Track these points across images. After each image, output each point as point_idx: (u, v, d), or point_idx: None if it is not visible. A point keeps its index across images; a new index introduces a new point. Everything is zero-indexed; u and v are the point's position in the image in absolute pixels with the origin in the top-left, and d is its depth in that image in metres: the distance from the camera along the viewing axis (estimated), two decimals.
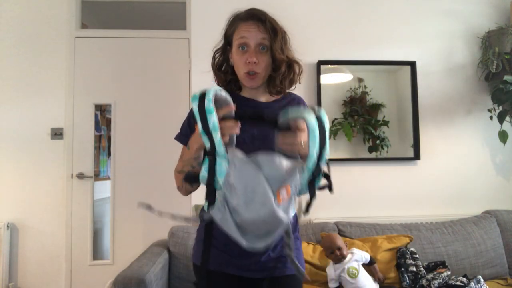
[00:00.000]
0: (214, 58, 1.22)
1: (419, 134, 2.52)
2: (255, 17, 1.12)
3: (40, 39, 2.78)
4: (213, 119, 0.87)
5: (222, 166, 0.89)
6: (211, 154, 0.90)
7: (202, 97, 0.87)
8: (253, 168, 0.89)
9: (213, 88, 0.90)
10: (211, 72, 1.25)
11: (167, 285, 2.04)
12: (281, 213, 0.86)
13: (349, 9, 2.59)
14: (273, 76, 1.15)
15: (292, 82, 1.20)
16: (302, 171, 0.91)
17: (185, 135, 1.21)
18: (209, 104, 0.87)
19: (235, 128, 0.92)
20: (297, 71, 1.19)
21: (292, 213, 0.91)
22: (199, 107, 0.87)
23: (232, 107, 0.93)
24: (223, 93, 0.92)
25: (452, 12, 2.64)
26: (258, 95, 1.21)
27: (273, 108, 1.21)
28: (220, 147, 0.89)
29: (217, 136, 0.88)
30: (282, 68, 1.13)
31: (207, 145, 0.90)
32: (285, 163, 0.91)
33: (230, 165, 0.89)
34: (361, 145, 2.53)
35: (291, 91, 1.28)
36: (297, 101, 1.25)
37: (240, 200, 0.87)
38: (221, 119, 0.90)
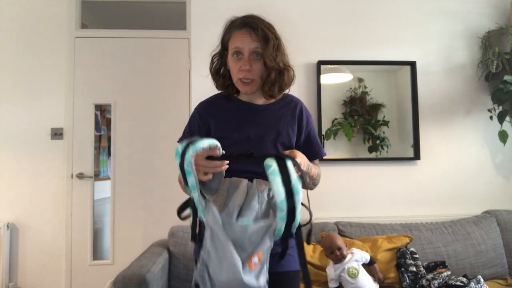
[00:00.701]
0: (212, 62, 1.26)
1: (419, 134, 2.52)
2: (248, 25, 1.15)
3: (40, 39, 2.78)
4: (191, 180, 0.91)
5: (202, 217, 0.96)
6: (191, 206, 0.97)
7: (183, 155, 0.91)
8: (223, 235, 0.92)
9: (195, 145, 0.91)
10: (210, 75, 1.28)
11: (167, 285, 2.04)
12: (251, 280, 0.89)
13: (349, 9, 2.59)
14: (264, 82, 1.18)
15: (281, 88, 1.22)
16: (273, 236, 0.93)
17: (187, 138, 1.23)
18: (188, 166, 0.90)
19: (221, 167, 0.97)
20: (286, 77, 1.20)
21: (264, 278, 0.93)
22: (180, 164, 0.91)
23: (217, 152, 0.97)
24: (207, 143, 0.94)
25: (452, 12, 2.64)
26: (255, 98, 1.25)
27: (269, 110, 1.24)
28: (198, 205, 0.95)
29: (195, 194, 0.93)
30: (271, 75, 1.16)
31: (190, 196, 0.97)
32: (258, 227, 0.93)
33: (206, 228, 0.94)
34: (361, 145, 2.53)
35: (290, 93, 1.31)
36: (294, 103, 1.28)
37: (214, 265, 0.91)
38: (207, 158, 0.96)
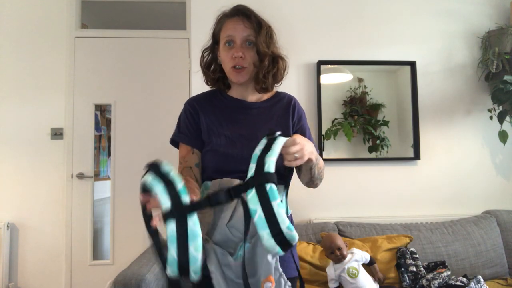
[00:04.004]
0: (202, 57, 1.23)
1: (419, 134, 2.52)
2: (240, 12, 1.14)
3: (40, 39, 2.78)
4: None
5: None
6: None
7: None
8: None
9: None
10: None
11: (167, 285, 2.04)
12: None
13: (349, 9, 2.59)
14: (257, 71, 1.14)
15: (276, 78, 1.18)
16: (273, 255, 0.90)
17: (184, 133, 1.20)
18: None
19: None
20: (281, 66, 1.17)
21: None
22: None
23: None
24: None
25: (452, 12, 2.64)
26: (247, 95, 1.20)
27: (261, 107, 1.20)
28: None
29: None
30: (265, 62, 1.13)
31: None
32: (255, 251, 0.90)
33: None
34: (361, 145, 2.53)
35: (282, 90, 1.27)
36: (287, 99, 1.23)
37: None
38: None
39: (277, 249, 0.77)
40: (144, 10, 3.39)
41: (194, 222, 0.78)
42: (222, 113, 1.18)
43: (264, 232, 0.77)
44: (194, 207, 0.79)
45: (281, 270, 0.93)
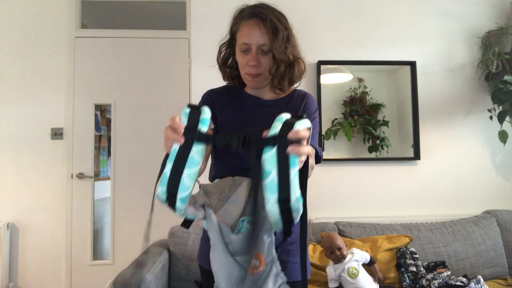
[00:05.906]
0: (220, 52, 1.20)
1: (419, 134, 2.52)
2: (257, 16, 1.09)
3: (40, 39, 2.78)
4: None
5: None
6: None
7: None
8: (222, 248, 0.88)
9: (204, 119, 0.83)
10: (211, 69, 1.24)
11: (167, 285, 2.04)
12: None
13: (350, 9, 2.59)
14: (273, 76, 1.12)
15: (291, 81, 1.16)
16: (270, 229, 0.85)
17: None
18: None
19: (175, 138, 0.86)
20: (296, 70, 1.14)
21: (273, 284, 0.87)
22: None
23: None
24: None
25: (452, 12, 2.64)
26: (262, 93, 1.19)
27: (275, 106, 1.18)
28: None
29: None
30: (280, 68, 1.10)
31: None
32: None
33: (213, 249, 0.90)
34: (361, 145, 2.54)
35: (298, 88, 1.24)
36: (301, 97, 1.20)
37: (217, 270, 0.89)
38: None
39: (277, 217, 0.73)
40: (144, 10, 3.39)
41: (197, 151, 0.78)
42: (237, 110, 1.18)
43: (272, 197, 0.72)
44: (204, 137, 0.79)
45: (275, 255, 0.89)
